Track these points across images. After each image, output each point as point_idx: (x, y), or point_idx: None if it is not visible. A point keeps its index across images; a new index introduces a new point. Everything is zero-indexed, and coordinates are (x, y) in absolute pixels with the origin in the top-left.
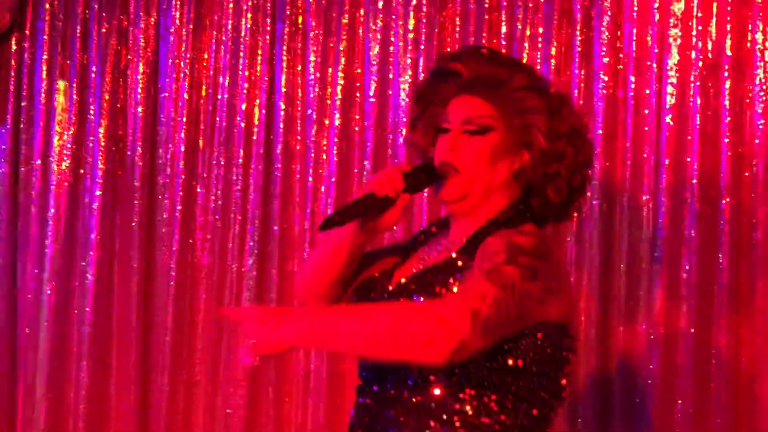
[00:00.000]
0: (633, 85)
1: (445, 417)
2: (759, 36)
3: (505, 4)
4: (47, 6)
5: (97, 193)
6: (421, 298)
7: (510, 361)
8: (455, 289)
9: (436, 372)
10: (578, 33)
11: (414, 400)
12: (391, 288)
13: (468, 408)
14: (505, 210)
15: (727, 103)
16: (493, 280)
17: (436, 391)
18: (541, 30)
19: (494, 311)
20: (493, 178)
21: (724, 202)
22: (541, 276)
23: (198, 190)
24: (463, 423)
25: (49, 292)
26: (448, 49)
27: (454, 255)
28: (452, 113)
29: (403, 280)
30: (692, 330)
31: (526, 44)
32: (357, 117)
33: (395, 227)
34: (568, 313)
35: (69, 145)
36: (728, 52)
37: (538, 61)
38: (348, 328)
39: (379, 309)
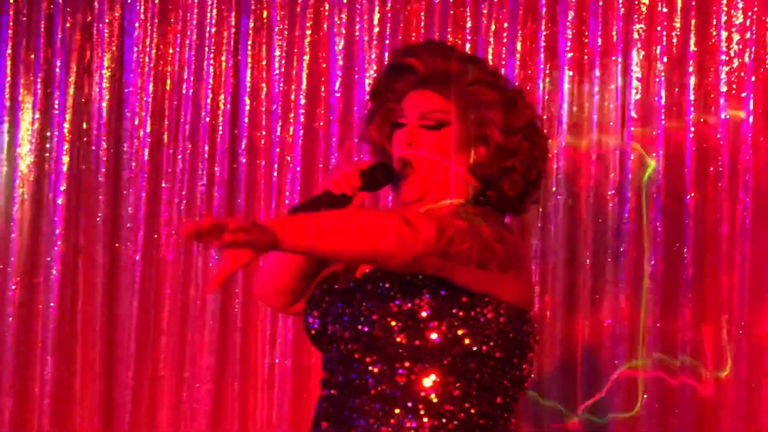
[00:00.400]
0: (597, 80)
1: (410, 404)
2: (723, 32)
3: None
4: (11, 0)
5: (62, 188)
6: (387, 285)
7: (474, 347)
8: (421, 275)
9: (401, 360)
10: (543, 28)
11: (379, 388)
12: (356, 277)
13: (433, 395)
14: (465, 204)
15: (692, 98)
16: (465, 221)
17: (401, 380)
18: (506, 25)
19: (458, 238)
20: (450, 173)
21: (689, 196)
22: (507, 247)
23: (163, 184)
24: (427, 410)
25: (13, 287)
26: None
27: None
28: (408, 108)
29: (367, 270)
30: (657, 324)
31: (491, 39)
32: (322, 112)
33: None
34: (528, 300)
35: (33, 140)
36: (692, 48)
37: (503, 56)
38: (324, 223)
39: (355, 212)
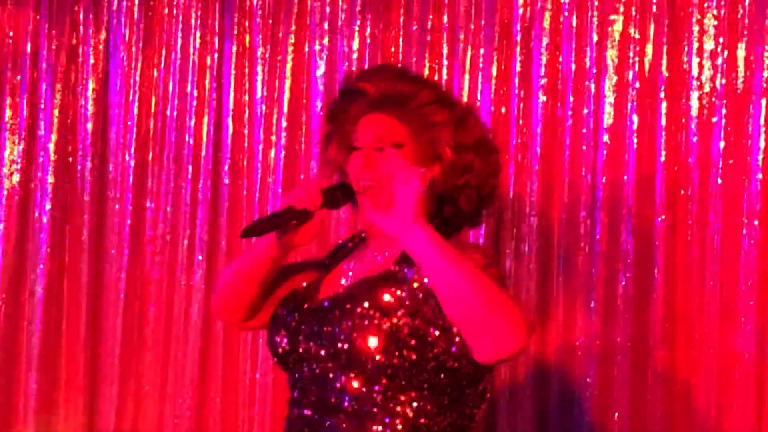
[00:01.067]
0: (571, 105)
1: (387, 420)
2: (695, 58)
3: (446, 26)
4: None
5: (47, 207)
6: (366, 304)
7: (448, 364)
8: (402, 294)
9: (379, 378)
10: (518, 54)
11: (356, 406)
12: (328, 296)
13: (408, 410)
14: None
15: (663, 122)
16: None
17: (379, 397)
18: (482, 51)
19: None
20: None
21: (659, 219)
22: (501, 272)
23: (147, 204)
24: (404, 425)
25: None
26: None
27: (394, 267)
28: (362, 132)
29: (341, 290)
30: (628, 344)
31: (467, 65)
32: (302, 134)
33: (311, 241)
34: None
35: (19, 160)
36: (665, 73)
37: (479, 81)
38: (461, 266)
39: (489, 281)
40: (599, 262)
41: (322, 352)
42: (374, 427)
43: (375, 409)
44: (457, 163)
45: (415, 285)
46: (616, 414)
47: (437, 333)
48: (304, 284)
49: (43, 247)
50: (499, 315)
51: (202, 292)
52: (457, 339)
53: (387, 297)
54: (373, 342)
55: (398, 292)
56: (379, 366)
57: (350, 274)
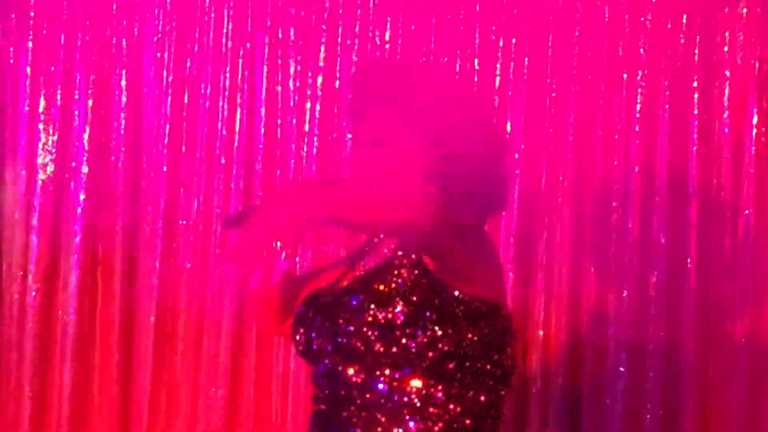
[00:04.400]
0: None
1: (394, 411)
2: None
3: (478, 17)
4: (31, 13)
5: (81, 197)
6: (361, 297)
7: (450, 348)
8: (393, 285)
9: (381, 368)
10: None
11: (364, 398)
12: (336, 292)
13: (416, 400)
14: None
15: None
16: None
17: (384, 388)
18: (513, 41)
19: (443, 211)
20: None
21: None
22: (479, 245)
23: (180, 195)
24: (412, 415)
25: (34, 293)
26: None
27: (390, 257)
28: (364, 129)
29: (345, 284)
30: (661, 333)
31: (499, 55)
32: (335, 126)
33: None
34: (499, 295)
35: (53, 151)
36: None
37: (511, 72)
38: (349, 194)
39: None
40: (631, 252)
41: (329, 347)
42: (382, 419)
43: (382, 400)
44: (456, 155)
45: (404, 271)
46: (648, 405)
47: (435, 317)
48: (326, 283)
49: (77, 237)
50: (401, 213)
51: (236, 281)
52: (456, 321)
53: (381, 287)
54: (369, 333)
55: (392, 283)
56: (379, 356)
57: (363, 268)
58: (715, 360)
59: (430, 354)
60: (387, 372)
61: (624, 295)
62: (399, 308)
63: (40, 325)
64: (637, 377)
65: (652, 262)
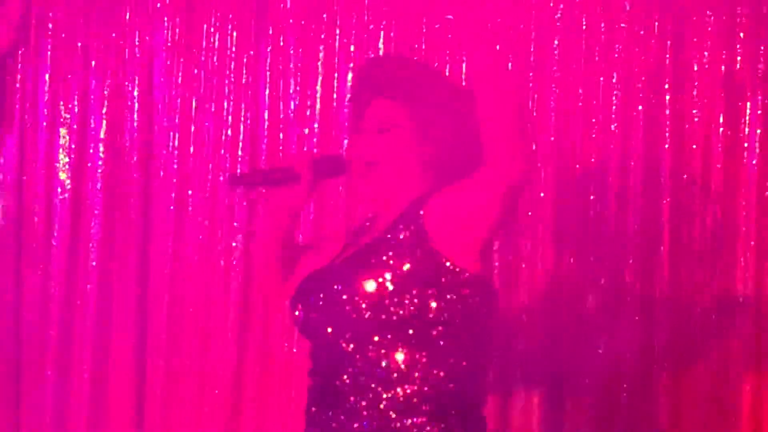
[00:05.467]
0: (581, 97)
1: (383, 376)
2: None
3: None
4: (50, 25)
5: (98, 195)
6: (353, 266)
7: (434, 315)
8: (385, 257)
9: (370, 336)
10: (531, 59)
11: (355, 366)
12: (335, 265)
13: (402, 366)
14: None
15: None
16: None
17: (373, 355)
18: (497, 47)
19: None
20: (406, 168)
21: (664, 202)
22: None
23: (189, 192)
24: (399, 380)
25: (53, 284)
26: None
27: (384, 234)
28: (368, 117)
29: (343, 257)
30: (636, 318)
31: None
32: (333, 127)
33: (304, 204)
34: (486, 270)
35: (72, 154)
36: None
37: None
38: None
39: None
40: (608, 242)
41: (323, 318)
42: (372, 385)
43: (372, 367)
44: (454, 144)
45: (399, 242)
46: (625, 384)
47: (420, 287)
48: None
49: (94, 229)
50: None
51: (241, 269)
52: (443, 290)
53: (373, 259)
54: (360, 302)
55: (384, 254)
56: (368, 324)
57: (356, 246)
58: (686, 339)
59: (416, 322)
60: (376, 339)
61: (602, 282)
62: (388, 277)
63: (62, 311)
64: (614, 357)
65: (628, 251)
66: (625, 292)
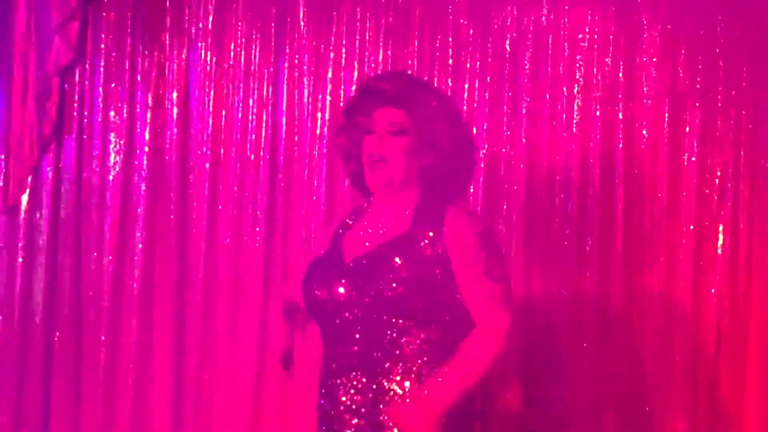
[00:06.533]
0: (549, 104)
1: (376, 340)
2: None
3: (451, 44)
4: (102, 45)
5: (143, 189)
6: (375, 262)
7: (426, 302)
8: (402, 258)
9: (378, 314)
10: (506, 72)
11: (356, 336)
12: (347, 264)
13: (393, 333)
14: (425, 196)
15: (644, 108)
16: (491, 277)
17: (374, 325)
18: (478, 64)
19: (506, 301)
20: (409, 169)
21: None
22: (501, 253)
23: (219, 187)
24: (390, 344)
25: (106, 263)
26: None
27: (408, 227)
28: (378, 120)
29: (363, 251)
30: (592, 293)
31: (467, 75)
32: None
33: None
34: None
35: (121, 154)
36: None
37: (476, 86)
38: (460, 381)
39: (467, 361)
40: (571, 227)
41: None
42: (373, 350)
43: (370, 332)
44: (449, 152)
45: (418, 244)
46: (585, 344)
47: (427, 284)
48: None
49: (140, 220)
50: (490, 359)
51: (262, 253)
52: (439, 289)
53: (397, 259)
54: (344, 287)
55: (403, 255)
56: (362, 305)
57: (367, 242)
58: (637, 308)
59: (411, 304)
60: (357, 313)
61: (566, 260)
62: (404, 276)
63: (113, 288)
64: (575, 325)
65: (587, 234)
66: (585, 267)
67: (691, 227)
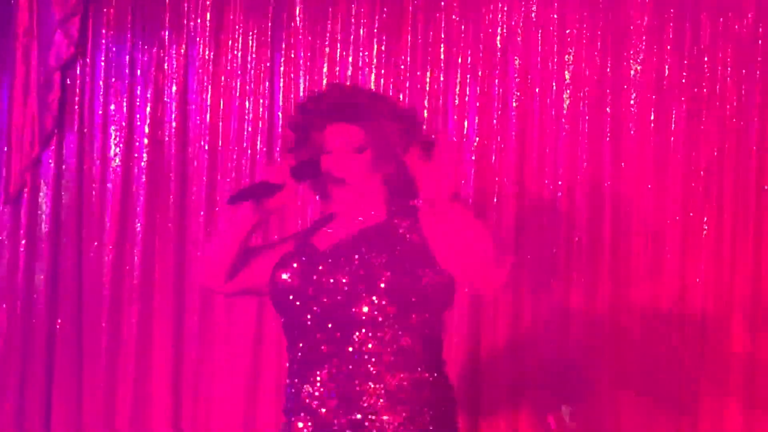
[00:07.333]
0: (538, 108)
1: (364, 327)
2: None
3: (443, 40)
4: (103, 41)
5: (143, 179)
6: (363, 249)
7: (406, 283)
8: (384, 240)
9: (358, 293)
10: (496, 67)
11: (344, 316)
12: (323, 252)
13: (379, 317)
14: (392, 195)
15: (632, 104)
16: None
17: (365, 309)
18: (469, 60)
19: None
20: (372, 182)
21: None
22: None
23: (218, 177)
24: (373, 327)
25: (107, 253)
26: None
27: (384, 217)
28: (331, 139)
29: (340, 239)
30: (583, 279)
31: (458, 72)
32: None
33: (284, 206)
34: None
35: (121, 145)
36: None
37: (467, 85)
38: (474, 221)
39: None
40: (559, 221)
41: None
42: (356, 334)
43: (363, 318)
44: (406, 162)
45: (397, 231)
46: (572, 335)
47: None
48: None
49: (139, 209)
50: (494, 254)
51: (260, 239)
52: (418, 270)
53: (378, 240)
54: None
55: (386, 238)
56: (354, 284)
57: (330, 236)
58: (624, 301)
59: (385, 284)
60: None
61: (554, 251)
62: (385, 256)
63: (113, 277)
64: (564, 312)
65: (575, 226)
66: (573, 258)
67: (677, 218)
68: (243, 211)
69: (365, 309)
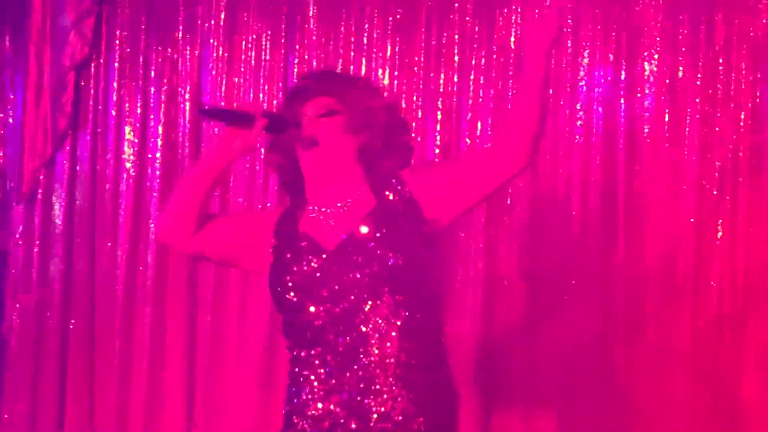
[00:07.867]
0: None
1: (371, 325)
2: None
3: (457, 41)
4: (117, 42)
5: (157, 180)
6: (372, 244)
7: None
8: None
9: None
10: (510, 68)
11: (349, 281)
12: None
13: (389, 316)
14: (370, 174)
15: (646, 106)
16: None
17: (375, 308)
18: (483, 60)
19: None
20: (345, 149)
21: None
22: None
23: (230, 178)
24: (380, 326)
25: (120, 253)
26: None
27: (388, 194)
28: (307, 111)
29: (364, 229)
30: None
31: (472, 70)
32: None
33: (243, 155)
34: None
35: (135, 146)
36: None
37: (481, 81)
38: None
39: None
40: (572, 221)
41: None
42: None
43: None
44: (382, 130)
45: (387, 203)
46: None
47: (396, 235)
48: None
49: (153, 207)
50: (537, 129)
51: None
52: (408, 242)
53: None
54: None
55: (406, 219)
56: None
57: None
58: (638, 302)
59: (380, 253)
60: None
61: (567, 251)
62: (370, 227)
63: (127, 277)
64: (578, 306)
65: (589, 226)
66: (588, 258)
67: (691, 220)
68: (206, 157)
69: (375, 308)
